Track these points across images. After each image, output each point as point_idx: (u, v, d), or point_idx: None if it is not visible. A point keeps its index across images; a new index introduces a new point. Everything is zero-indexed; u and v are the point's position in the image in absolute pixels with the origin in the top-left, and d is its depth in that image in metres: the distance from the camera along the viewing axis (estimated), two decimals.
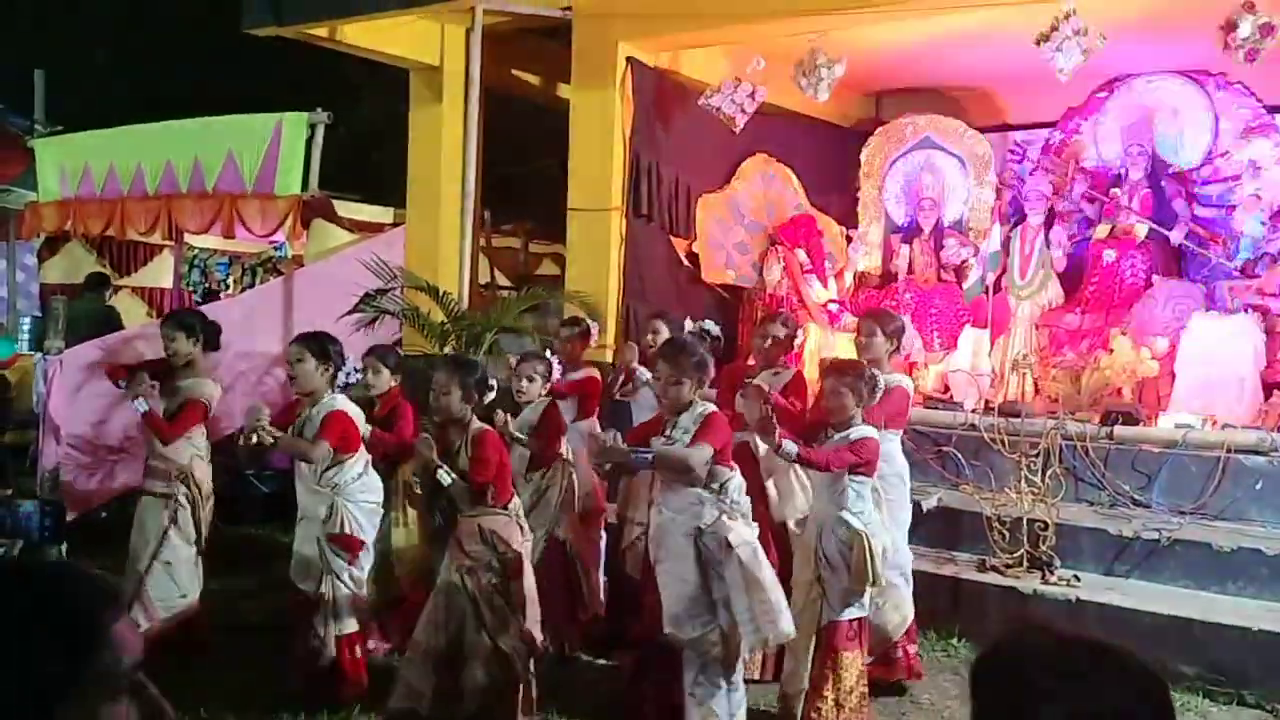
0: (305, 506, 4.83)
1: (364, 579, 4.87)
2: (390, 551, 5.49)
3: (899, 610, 4.92)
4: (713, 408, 4.24)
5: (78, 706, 1.17)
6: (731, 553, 4.05)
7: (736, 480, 4.20)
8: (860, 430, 4.49)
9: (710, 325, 5.91)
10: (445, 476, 4.16)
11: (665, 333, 5.80)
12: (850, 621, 4.42)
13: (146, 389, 5.03)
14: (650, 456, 4.13)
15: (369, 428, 5.10)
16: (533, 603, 4.31)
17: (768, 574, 4.10)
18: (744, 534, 4.12)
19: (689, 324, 6.36)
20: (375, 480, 4.93)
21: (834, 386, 4.51)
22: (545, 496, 5.40)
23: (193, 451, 5.25)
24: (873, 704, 4.69)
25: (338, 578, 4.74)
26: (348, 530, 4.72)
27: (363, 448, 4.88)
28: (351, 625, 4.83)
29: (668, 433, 4.19)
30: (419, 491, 4.35)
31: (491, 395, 4.51)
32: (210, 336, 5.37)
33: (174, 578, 5.19)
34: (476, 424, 4.33)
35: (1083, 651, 1.39)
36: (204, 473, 5.28)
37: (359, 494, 4.80)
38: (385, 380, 5.58)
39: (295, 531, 4.88)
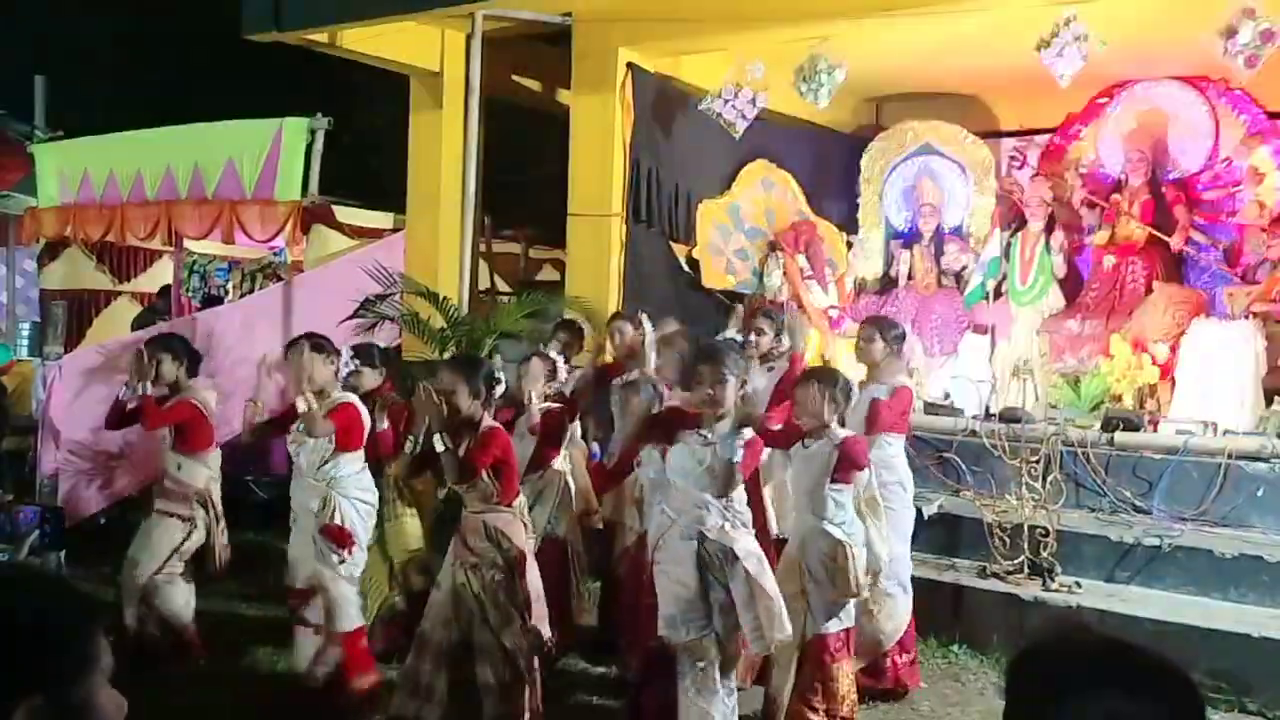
0: (300, 503, 4.85)
1: (357, 578, 4.86)
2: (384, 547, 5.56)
3: (892, 620, 4.88)
4: (751, 433, 4.15)
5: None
6: (738, 564, 4.01)
7: (740, 491, 4.18)
8: (840, 432, 4.42)
9: (734, 335, 5.78)
10: (440, 442, 4.16)
11: (648, 328, 5.74)
12: (837, 633, 4.39)
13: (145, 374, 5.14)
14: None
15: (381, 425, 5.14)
16: (538, 600, 4.33)
17: (771, 582, 4.07)
18: (749, 545, 4.09)
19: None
20: (370, 481, 4.94)
21: (807, 394, 4.42)
22: (541, 497, 5.36)
23: (208, 474, 5.36)
24: (872, 712, 4.70)
25: (335, 572, 4.72)
26: (341, 522, 4.70)
27: (362, 451, 4.89)
28: (354, 620, 4.80)
29: (702, 431, 4.11)
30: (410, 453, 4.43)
31: (501, 389, 4.53)
32: (193, 363, 5.45)
33: (178, 590, 5.34)
34: (488, 421, 4.35)
35: (1119, 655, 1.42)
36: (218, 495, 5.39)
37: (354, 490, 4.80)
38: (370, 379, 5.59)
39: (291, 535, 4.91)
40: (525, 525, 4.42)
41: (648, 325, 5.74)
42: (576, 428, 5.78)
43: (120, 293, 10.35)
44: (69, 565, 6.54)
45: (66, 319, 7.77)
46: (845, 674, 4.41)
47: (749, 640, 4.06)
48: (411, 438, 4.45)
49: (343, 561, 4.71)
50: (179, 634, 5.29)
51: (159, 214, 8.21)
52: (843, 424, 4.47)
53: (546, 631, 4.35)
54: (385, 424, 5.37)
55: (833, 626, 4.35)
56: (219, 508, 5.38)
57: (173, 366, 5.29)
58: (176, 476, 5.28)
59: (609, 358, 6.17)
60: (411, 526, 5.66)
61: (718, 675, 4.11)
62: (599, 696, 5.07)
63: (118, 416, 5.38)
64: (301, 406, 4.66)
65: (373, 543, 5.50)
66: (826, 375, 4.57)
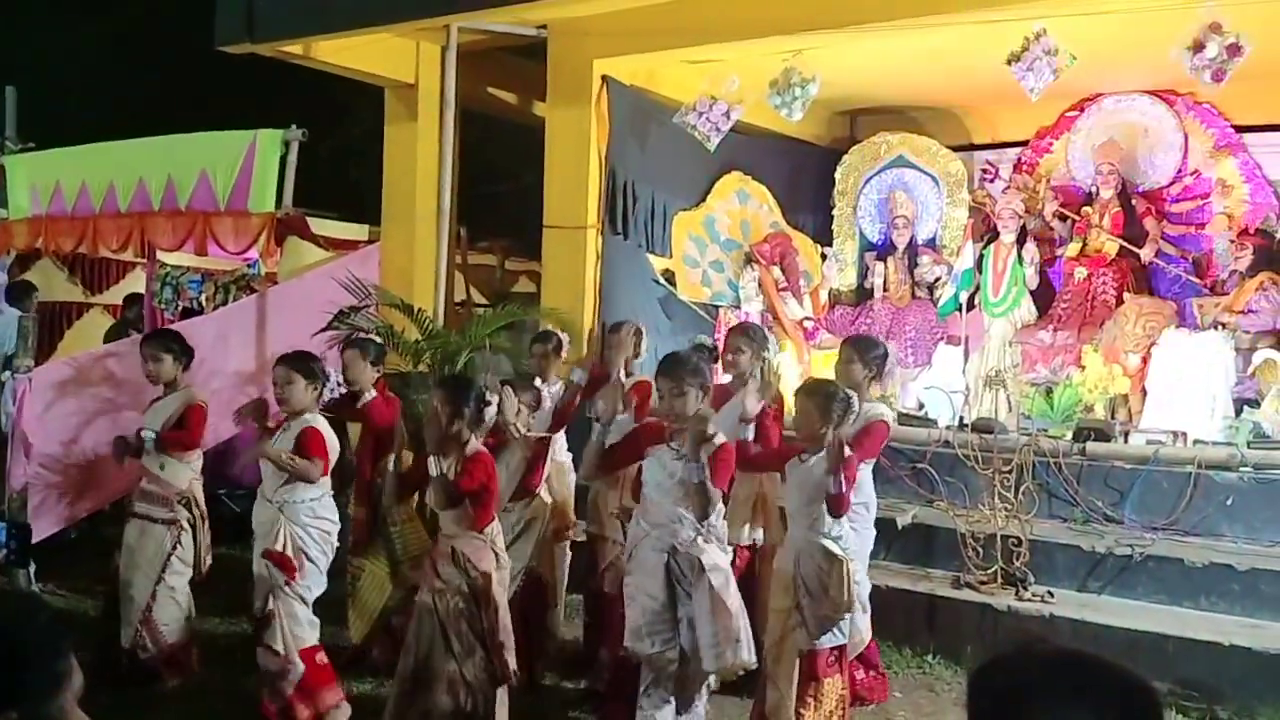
0: (257, 521, 4.80)
1: (309, 600, 4.76)
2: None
3: (852, 637, 4.79)
4: (724, 440, 4.14)
5: None
6: (703, 576, 4.02)
7: (718, 506, 4.16)
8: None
9: (705, 339, 5.68)
10: (434, 466, 4.11)
11: (645, 342, 5.69)
12: (830, 649, 4.33)
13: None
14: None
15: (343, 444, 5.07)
16: (505, 631, 4.23)
17: (735, 601, 4.07)
18: (717, 558, 4.09)
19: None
20: (331, 508, 4.85)
21: (804, 406, 4.34)
22: (528, 529, 5.26)
23: (190, 475, 5.32)
24: None
25: (285, 592, 4.65)
26: (285, 549, 4.62)
27: (327, 479, 4.81)
28: (311, 637, 4.73)
29: (673, 445, 4.12)
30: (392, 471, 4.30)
31: (492, 411, 4.43)
32: (188, 359, 5.54)
33: (178, 601, 5.27)
34: (474, 444, 4.26)
35: (1080, 666, 1.42)
36: (201, 495, 5.35)
37: (304, 515, 4.70)
38: (369, 375, 5.50)
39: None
40: (497, 554, 4.31)
41: (645, 339, 5.73)
42: (562, 440, 5.67)
43: (92, 305, 10.27)
44: (39, 580, 6.54)
45: (37, 331, 7.64)
46: (836, 689, 4.37)
47: (704, 655, 4.04)
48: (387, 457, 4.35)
49: (289, 582, 4.64)
50: (174, 650, 5.23)
51: (131, 226, 8.08)
52: None
53: (511, 662, 4.24)
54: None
55: (826, 641, 4.29)
56: (203, 509, 5.32)
57: (173, 367, 5.35)
58: (159, 476, 5.20)
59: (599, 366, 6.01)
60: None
61: (671, 688, 4.11)
62: (575, 711, 5.04)
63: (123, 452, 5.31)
64: (271, 454, 4.64)
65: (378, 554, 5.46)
66: (825, 388, 4.46)
